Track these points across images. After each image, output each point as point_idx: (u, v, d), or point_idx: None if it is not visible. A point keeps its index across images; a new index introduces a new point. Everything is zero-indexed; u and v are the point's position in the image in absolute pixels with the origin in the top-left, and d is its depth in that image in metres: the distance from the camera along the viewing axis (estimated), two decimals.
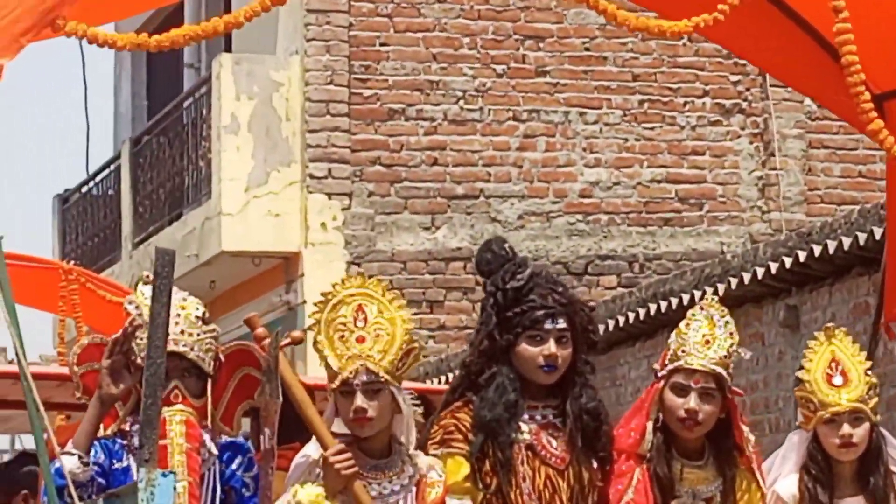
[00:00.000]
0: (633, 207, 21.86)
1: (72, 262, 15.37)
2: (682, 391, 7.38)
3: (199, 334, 7.71)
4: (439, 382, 16.60)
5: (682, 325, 7.66)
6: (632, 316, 16.24)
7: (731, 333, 7.61)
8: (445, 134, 21.43)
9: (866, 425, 7.53)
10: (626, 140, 22.11)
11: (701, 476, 7.50)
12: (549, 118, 21.85)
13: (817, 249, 12.73)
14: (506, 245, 7.77)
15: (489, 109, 21.73)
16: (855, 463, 7.60)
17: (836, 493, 7.61)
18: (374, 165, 21.47)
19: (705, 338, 7.51)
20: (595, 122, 22.10)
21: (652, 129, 22.25)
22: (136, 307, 7.68)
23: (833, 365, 7.65)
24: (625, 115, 22.09)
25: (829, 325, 7.96)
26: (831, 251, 12.57)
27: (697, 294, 14.75)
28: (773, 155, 21.38)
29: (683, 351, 7.49)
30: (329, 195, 21.30)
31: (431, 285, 21.27)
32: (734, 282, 14.72)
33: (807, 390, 7.61)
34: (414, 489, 7.18)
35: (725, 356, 7.50)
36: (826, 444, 7.55)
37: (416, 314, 21.13)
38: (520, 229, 21.43)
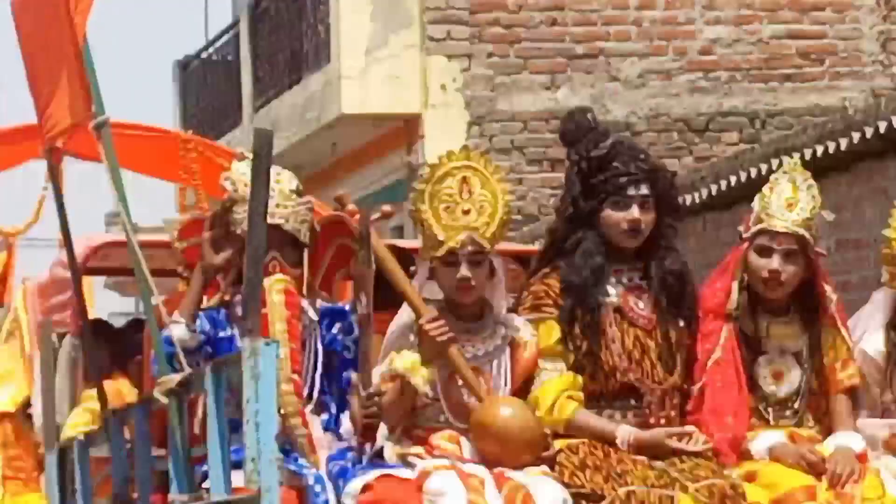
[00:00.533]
0: (753, 64, 21.84)
1: (190, 131, 15.55)
2: (765, 252, 7.47)
3: (293, 206, 7.92)
4: None
5: (765, 188, 7.71)
6: (753, 172, 16.08)
7: (813, 196, 7.64)
8: None
9: None
10: None
11: (787, 332, 7.60)
12: None
13: None
14: (589, 115, 7.84)
15: None
16: None
17: None
18: (494, 26, 21.31)
19: (788, 201, 7.57)
20: None
21: None
22: (232, 183, 7.92)
23: None
24: None
25: None
26: None
27: (820, 149, 14.80)
28: (894, 10, 21.19)
29: (767, 214, 7.56)
30: (448, 57, 21.15)
31: (552, 144, 20.71)
32: (856, 137, 14.57)
33: (893, 248, 7.63)
34: (508, 350, 7.33)
35: (808, 218, 7.55)
36: None
37: (537, 172, 21.26)
38: (640, 87, 21.40)
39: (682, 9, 21.71)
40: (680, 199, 8.98)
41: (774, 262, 7.52)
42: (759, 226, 7.55)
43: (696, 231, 17.25)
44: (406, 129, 21.05)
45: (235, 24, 24.53)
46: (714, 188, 17.04)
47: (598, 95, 21.19)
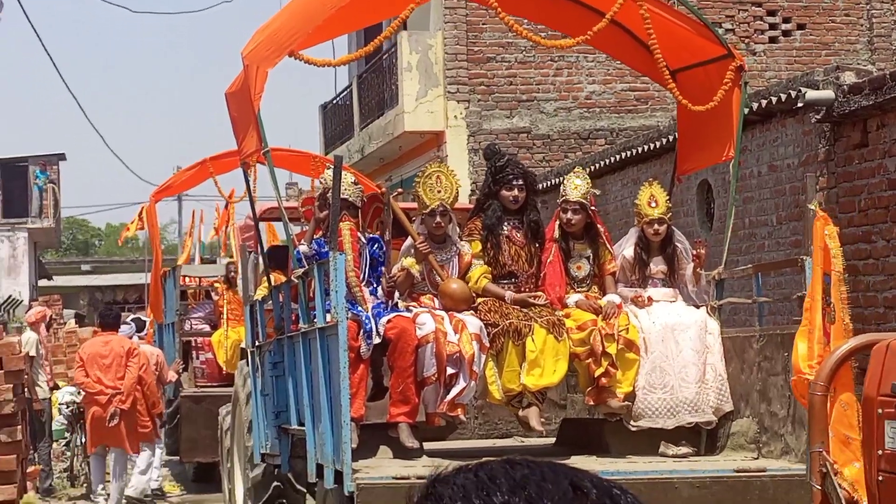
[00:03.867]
0: (611, 103, 20.21)
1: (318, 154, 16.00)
2: (565, 211, 7.86)
3: (353, 189, 8.18)
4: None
5: (565, 179, 7.94)
6: (598, 166, 15.08)
7: (587, 182, 7.88)
8: None
9: (665, 225, 7.93)
10: None
11: (582, 246, 7.93)
12: None
13: None
14: (496, 146, 8.35)
15: None
16: (660, 242, 7.95)
17: (651, 255, 7.94)
18: (480, 86, 20.06)
19: (574, 185, 7.81)
20: None
21: None
22: (324, 180, 8.42)
23: (651, 197, 7.93)
24: None
25: (650, 180, 8.21)
26: None
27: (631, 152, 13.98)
28: None
29: (565, 192, 7.89)
30: (457, 101, 19.92)
31: (509, 147, 19.43)
32: (655, 145, 13.97)
33: (638, 207, 7.97)
34: (457, 256, 7.76)
35: (584, 193, 7.85)
36: (647, 232, 7.93)
37: None
38: (554, 116, 20.20)
39: (577, 76, 20.02)
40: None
41: (569, 215, 7.85)
42: (564, 197, 7.90)
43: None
44: (436, 139, 20.29)
45: (350, 84, 23.65)
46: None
47: (533, 120, 20.12)
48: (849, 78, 10.58)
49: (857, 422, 4.82)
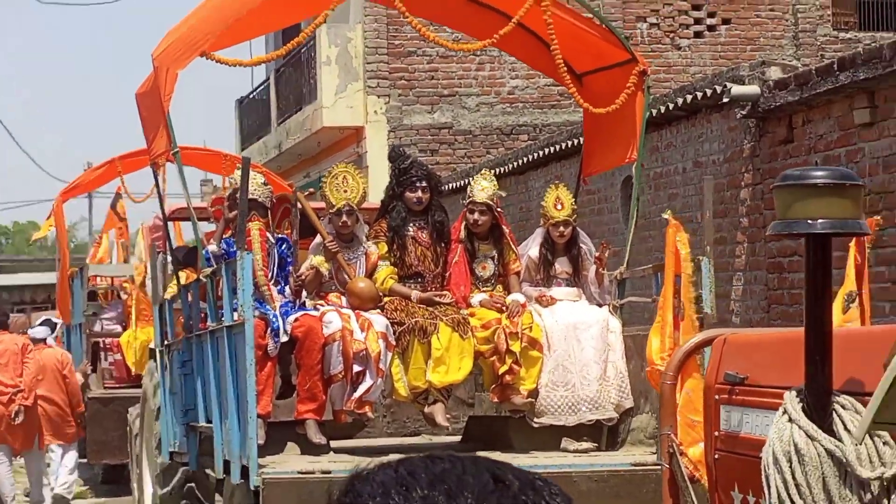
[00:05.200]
0: (534, 99, 20.36)
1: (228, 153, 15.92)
2: (472, 212, 8.12)
3: (262, 189, 8.34)
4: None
5: (472, 182, 8.18)
6: (524, 160, 15.35)
7: (494, 184, 8.17)
8: None
9: (570, 227, 8.19)
10: None
11: (487, 247, 8.20)
12: None
13: None
14: (402, 149, 8.61)
15: None
16: (565, 243, 8.22)
17: (555, 255, 8.21)
18: (400, 80, 20.39)
19: (481, 186, 8.15)
20: None
21: None
22: (233, 180, 8.55)
23: (557, 199, 8.17)
24: None
25: (556, 182, 8.56)
26: None
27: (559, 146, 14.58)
28: None
29: (472, 193, 8.12)
30: (378, 96, 20.25)
31: (430, 142, 20.27)
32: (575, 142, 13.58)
33: (544, 209, 8.21)
34: (364, 256, 7.98)
35: (491, 195, 8.06)
36: (552, 234, 8.19)
37: (421, 157, 20.33)
38: (475, 111, 20.47)
39: (500, 70, 20.22)
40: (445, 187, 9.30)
41: (476, 216, 8.11)
42: (470, 198, 8.13)
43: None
44: (356, 134, 20.47)
45: (268, 78, 23.83)
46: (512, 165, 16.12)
47: (455, 116, 20.35)
48: (774, 73, 10.78)
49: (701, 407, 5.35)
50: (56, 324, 16.21)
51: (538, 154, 15.36)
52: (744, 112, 11.04)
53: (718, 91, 11.17)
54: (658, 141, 12.80)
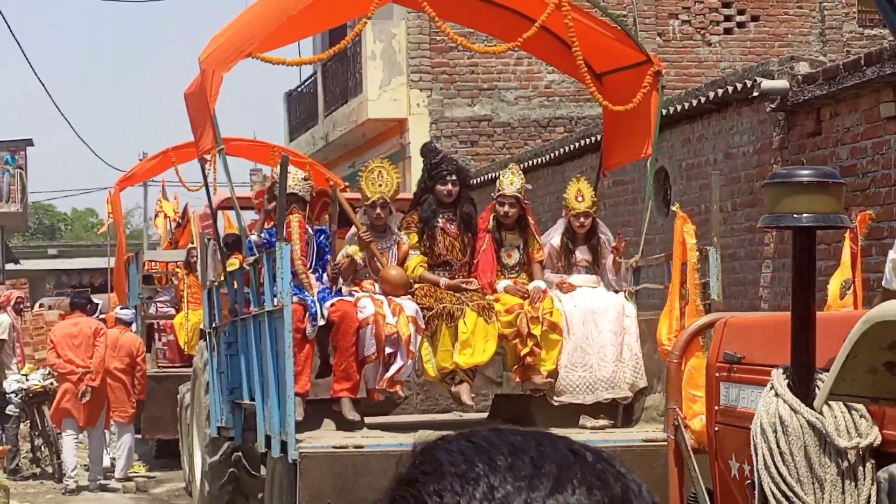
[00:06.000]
0: (570, 92, 20.17)
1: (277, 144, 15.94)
2: (501, 204, 8.27)
3: (302, 183, 8.46)
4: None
5: (501, 175, 8.31)
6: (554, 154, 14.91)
7: (521, 178, 8.28)
8: None
9: (591, 218, 8.33)
10: None
11: (513, 237, 8.33)
12: None
13: None
14: (433, 143, 8.78)
15: None
16: (585, 233, 8.36)
17: (576, 244, 8.36)
18: (442, 74, 20.26)
19: (510, 180, 8.27)
20: None
21: None
22: (276, 173, 8.62)
23: (578, 192, 8.32)
24: None
25: (578, 175, 8.67)
26: None
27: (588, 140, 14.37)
28: None
29: (502, 186, 8.28)
30: (420, 90, 20.17)
31: (471, 134, 20.07)
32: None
33: (566, 201, 8.27)
34: (396, 245, 8.15)
35: (519, 188, 8.27)
36: (573, 224, 8.33)
37: (461, 148, 20.09)
38: (514, 105, 20.40)
39: (537, 65, 19.72)
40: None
41: (506, 207, 8.26)
42: (500, 192, 8.29)
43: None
44: (399, 126, 20.47)
45: (315, 73, 23.79)
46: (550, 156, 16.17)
47: (494, 108, 20.32)
48: (803, 68, 10.86)
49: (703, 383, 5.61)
50: (97, 305, 16.58)
51: (574, 146, 15.37)
52: (773, 105, 11.13)
53: (749, 85, 11.24)
54: (690, 133, 12.80)
